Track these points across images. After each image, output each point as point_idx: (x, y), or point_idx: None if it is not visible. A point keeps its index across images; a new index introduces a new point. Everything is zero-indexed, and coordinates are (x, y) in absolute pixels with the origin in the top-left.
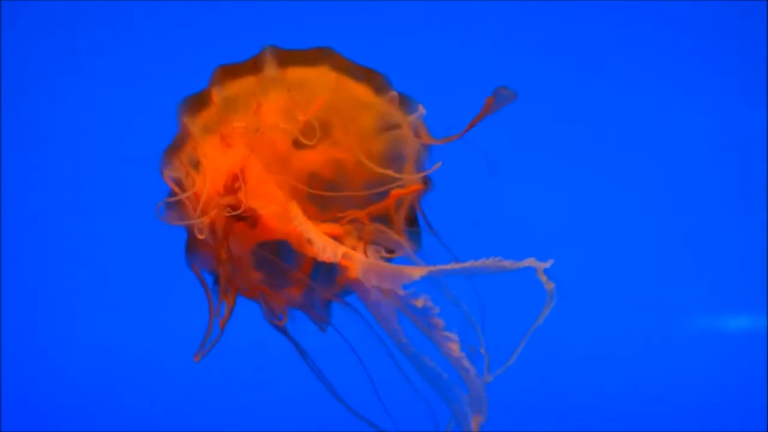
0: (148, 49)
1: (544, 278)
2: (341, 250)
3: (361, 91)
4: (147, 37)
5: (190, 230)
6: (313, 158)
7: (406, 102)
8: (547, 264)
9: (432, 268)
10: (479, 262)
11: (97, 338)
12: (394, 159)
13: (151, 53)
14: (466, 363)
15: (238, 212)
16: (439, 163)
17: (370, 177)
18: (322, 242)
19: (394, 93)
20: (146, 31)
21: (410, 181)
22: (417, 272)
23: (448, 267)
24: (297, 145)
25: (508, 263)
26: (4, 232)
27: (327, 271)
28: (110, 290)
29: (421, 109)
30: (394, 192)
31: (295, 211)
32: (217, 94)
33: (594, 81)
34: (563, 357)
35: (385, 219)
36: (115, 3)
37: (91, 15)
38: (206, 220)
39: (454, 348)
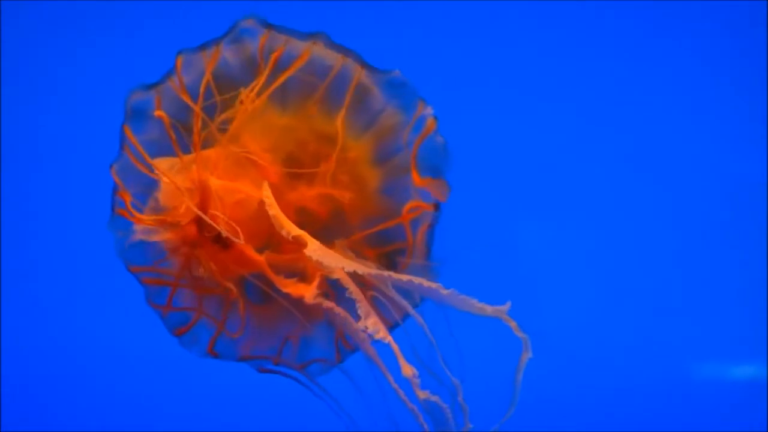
0: (148, 49)
1: (514, 326)
2: (295, 230)
3: (360, 73)
4: (148, 37)
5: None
6: (308, 193)
7: (415, 97)
8: (506, 308)
9: (390, 274)
10: (445, 291)
11: (98, 338)
12: (393, 191)
13: (152, 53)
14: (431, 397)
15: (209, 227)
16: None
17: (369, 211)
18: (283, 224)
19: (397, 73)
20: (147, 31)
21: (415, 209)
22: (366, 267)
23: (410, 280)
24: (291, 178)
25: (472, 304)
26: (4, 232)
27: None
28: (110, 290)
29: (429, 109)
30: (405, 216)
31: (266, 190)
32: (180, 58)
33: (596, 89)
34: (564, 403)
35: (402, 252)
36: (116, 3)
37: (90, 15)
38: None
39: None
